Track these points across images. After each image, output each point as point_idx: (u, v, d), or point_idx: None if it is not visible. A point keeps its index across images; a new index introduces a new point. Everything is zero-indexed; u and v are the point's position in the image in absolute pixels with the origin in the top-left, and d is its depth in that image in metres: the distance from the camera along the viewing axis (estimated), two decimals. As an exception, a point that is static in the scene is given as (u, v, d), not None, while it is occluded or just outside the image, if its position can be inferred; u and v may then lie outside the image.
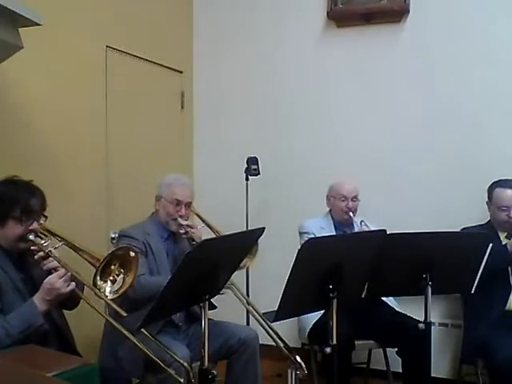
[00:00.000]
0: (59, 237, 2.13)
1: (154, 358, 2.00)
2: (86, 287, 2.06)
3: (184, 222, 2.69)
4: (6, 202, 2.03)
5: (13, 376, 1.36)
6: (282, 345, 2.45)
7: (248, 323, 3.30)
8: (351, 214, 3.15)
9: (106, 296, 2.00)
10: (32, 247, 2.06)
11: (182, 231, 2.69)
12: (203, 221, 2.91)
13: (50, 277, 1.97)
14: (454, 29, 3.53)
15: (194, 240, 2.67)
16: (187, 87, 4.08)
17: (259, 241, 2.39)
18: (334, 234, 3.16)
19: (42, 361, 1.69)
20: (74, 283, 2.00)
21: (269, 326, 2.52)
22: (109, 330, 2.56)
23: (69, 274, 1.99)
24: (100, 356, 2.62)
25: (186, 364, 2.14)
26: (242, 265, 2.63)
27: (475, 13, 3.49)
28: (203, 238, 2.59)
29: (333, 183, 3.29)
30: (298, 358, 2.28)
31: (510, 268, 2.93)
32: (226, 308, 2.79)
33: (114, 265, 2.03)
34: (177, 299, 1.93)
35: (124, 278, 2.04)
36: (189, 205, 2.77)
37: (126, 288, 2.04)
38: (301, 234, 3.19)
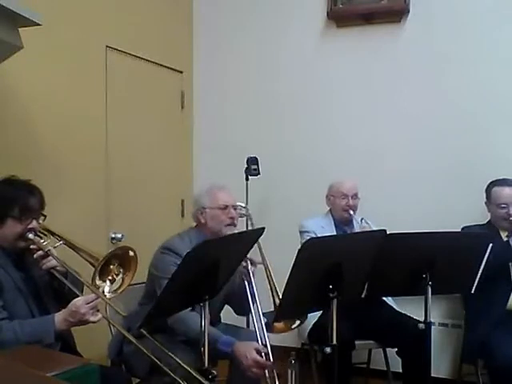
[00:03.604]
0: (58, 236, 2.14)
1: (156, 360, 1.97)
2: (85, 287, 2.06)
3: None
4: (5, 202, 2.03)
5: (13, 376, 1.36)
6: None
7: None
8: (351, 211, 3.15)
9: (105, 295, 1.99)
10: (31, 246, 2.06)
11: None
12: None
13: (77, 299, 1.93)
14: (454, 29, 3.53)
15: None
16: (187, 87, 4.08)
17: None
18: (335, 233, 3.17)
19: (42, 361, 1.69)
20: (100, 314, 1.95)
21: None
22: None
23: (98, 301, 1.94)
24: (108, 348, 2.62)
25: (191, 370, 2.02)
26: None
27: (475, 12, 3.49)
28: None
29: (333, 182, 3.30)
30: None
31: (511, 265, 2.93)
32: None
33: (113, 264, 2.03)
34: (177, 299, 1.93)
35: (123, 278, 2.04)
36: (235, 207, 2.70)
37: (125, 288, 2.04)
38: (301, 232, 3.19)
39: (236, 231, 2.59)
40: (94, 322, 1.94)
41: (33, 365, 1.56)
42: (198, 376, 1.89)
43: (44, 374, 1.45)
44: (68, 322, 1.93)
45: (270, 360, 2.36)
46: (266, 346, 2.41)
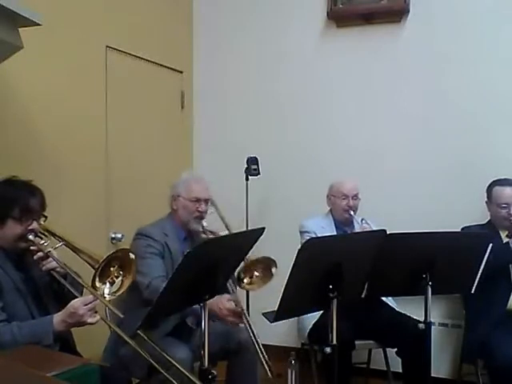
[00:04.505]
0: (59, 237, 2.13)
1: (150, 360, 1.95)
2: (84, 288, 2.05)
3: (205, 224, 2.68)
4: (6, 202, 2.03)
5: (13, 376, 1.36)
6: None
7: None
8: (352, 212, 3.15)
9: (104, 297, 1.99)
10: (32, 247, 2.05)
11: (201, 230, 2.68)
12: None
13: (75, 300, 1.93)
14: (454, 29, 3.53)
15: None
16: (187, 87, 4.08)
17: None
18: (335, 233, 3.17)
19: (42, 361, 1.69)
20: (98, 316, 1.95)
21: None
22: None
23: (96, 302, 1.94)
24: (103, 353, 2.61)
25: (182, 368, 2.03)
26: None
27: (475, 12, 3.49)
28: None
29: (333, 182, 3.29)
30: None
31: (511, 266, 2.93)
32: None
33: (113, 266, 2.02)
34: (176, 299, 1.93)
35: (122, 280, 2.03)
36: (207, 201, 2.76)
37: (124, 290, 2.04)
38: (301, 233, 3.19)
39: (204, 224, 2.67)
40: (92, 324, 1.94)
41: (33, 365, 1.56)
42: (192, 378, 1.88)
43: (44, 374, 1.45)
44: (66, 323, 1.93)
45: (242, 308, 2.46)
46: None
